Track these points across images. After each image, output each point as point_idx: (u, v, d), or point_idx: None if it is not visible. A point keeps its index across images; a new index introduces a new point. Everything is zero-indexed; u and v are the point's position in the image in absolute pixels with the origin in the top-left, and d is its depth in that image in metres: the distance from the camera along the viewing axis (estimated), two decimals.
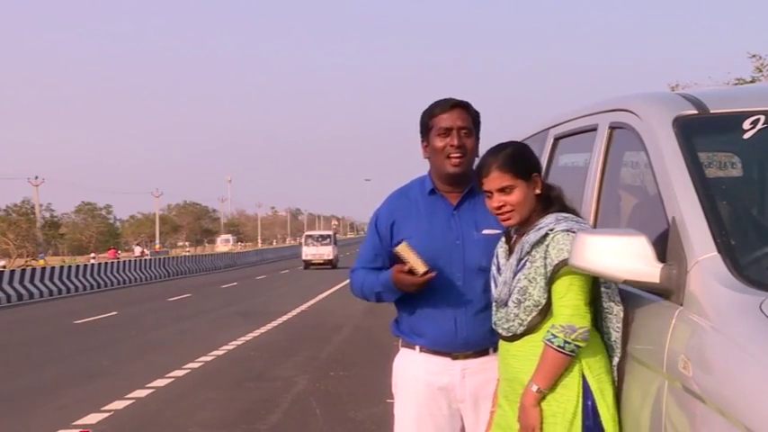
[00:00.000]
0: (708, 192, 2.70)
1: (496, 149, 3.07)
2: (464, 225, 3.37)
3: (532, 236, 2.90)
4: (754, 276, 2.47)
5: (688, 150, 2.81)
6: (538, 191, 3.00)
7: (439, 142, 3.36)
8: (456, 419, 3.42)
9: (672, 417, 2.46)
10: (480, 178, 3.03)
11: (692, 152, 2.81)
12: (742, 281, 2.42)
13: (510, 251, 3.06)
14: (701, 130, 2.93)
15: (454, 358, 3.36)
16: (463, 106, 3.41)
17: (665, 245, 2.69)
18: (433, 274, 3.20)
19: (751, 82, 17.24)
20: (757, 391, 2.09)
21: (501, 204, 2.98)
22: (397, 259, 3.35)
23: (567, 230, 2.83)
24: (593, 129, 3.44)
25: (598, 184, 3.31)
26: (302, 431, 7.49)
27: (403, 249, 3.23)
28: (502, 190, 2.97)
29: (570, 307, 2.80)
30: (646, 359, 2.70)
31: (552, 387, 2.82)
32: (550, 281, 2.84)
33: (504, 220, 3.02)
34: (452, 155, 3.34)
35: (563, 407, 2.81)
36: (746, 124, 2.86)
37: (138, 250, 75.77)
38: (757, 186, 3.33)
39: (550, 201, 3.00)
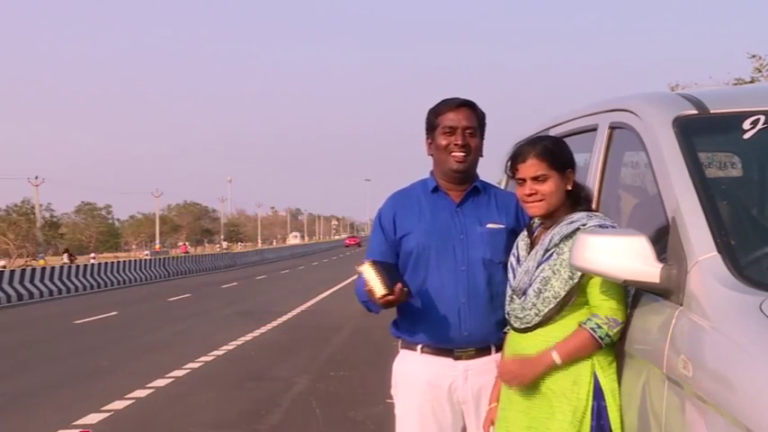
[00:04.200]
0: (708, 192, 2.70)
1: (535, 140, 3.11)
2: (467, 221, 3.37)
3: (564, 228, 2.92)
4: (754, 276, 2.46)
5: (688, 150, 2.81)
6: (569, 187, 3.01)
7: (443, 140, 3.38)
8: (458, 420, 3.42)
9: (672, 417, 2.46)
10: (515, 165, 3.04)
11: (692, 152, 2.81)
12: (742, 281, 2.42)
13: (532, 244, 3.07)
14: (701, 130, 2.93)
15: (456, 358, 3.36)
16: (469, 106, 3.42)
17: (665, 245, 2.69)
18: (390, 298, 3.11)
19: (750, 82, 17.23)
20: (757, 391, 2.09)
21: (533, 192, 2.99)
22: (403, 258, 3.35)
23: (600, 227, 2.84)
24: (593, 129, 3.45)
25: (598, 185, 3.31)
26: (302, 431, 7.49)
27: (365, 269, 3.14)
28: (536, 178, 2.99)
29: (615, 301, 2.81)
30: (646, 359, 2.70)
31: (563, 384, 2.84)
32: (583, 275, 2.83)
33: (531, 209, 3.03)
34: (455, 153, 3.35)
35: (573, 405, 2.82)
36: (746, 124, 2.86)
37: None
38: (757, 186, 3.33)
39: (578, 200, 3.02)
